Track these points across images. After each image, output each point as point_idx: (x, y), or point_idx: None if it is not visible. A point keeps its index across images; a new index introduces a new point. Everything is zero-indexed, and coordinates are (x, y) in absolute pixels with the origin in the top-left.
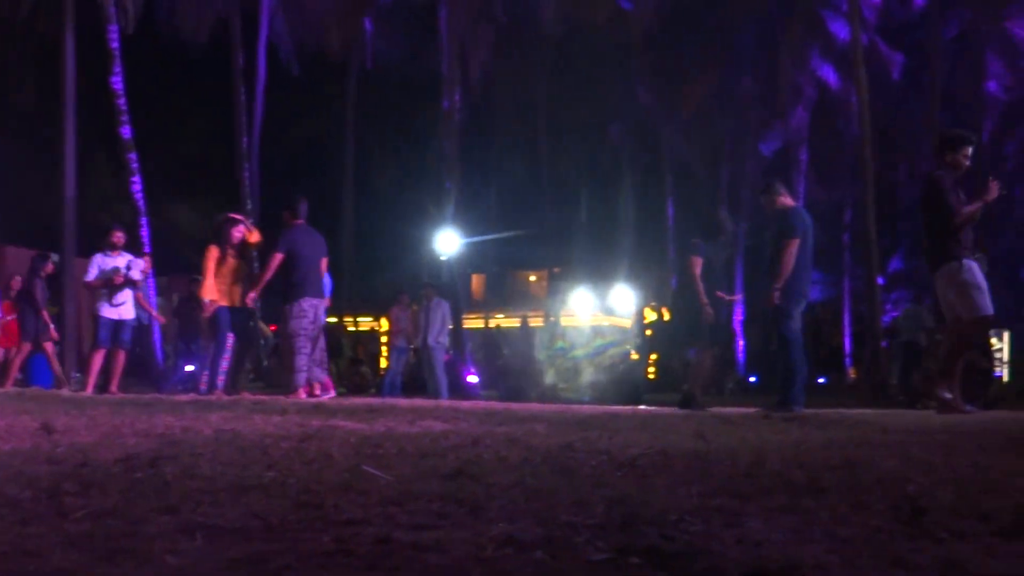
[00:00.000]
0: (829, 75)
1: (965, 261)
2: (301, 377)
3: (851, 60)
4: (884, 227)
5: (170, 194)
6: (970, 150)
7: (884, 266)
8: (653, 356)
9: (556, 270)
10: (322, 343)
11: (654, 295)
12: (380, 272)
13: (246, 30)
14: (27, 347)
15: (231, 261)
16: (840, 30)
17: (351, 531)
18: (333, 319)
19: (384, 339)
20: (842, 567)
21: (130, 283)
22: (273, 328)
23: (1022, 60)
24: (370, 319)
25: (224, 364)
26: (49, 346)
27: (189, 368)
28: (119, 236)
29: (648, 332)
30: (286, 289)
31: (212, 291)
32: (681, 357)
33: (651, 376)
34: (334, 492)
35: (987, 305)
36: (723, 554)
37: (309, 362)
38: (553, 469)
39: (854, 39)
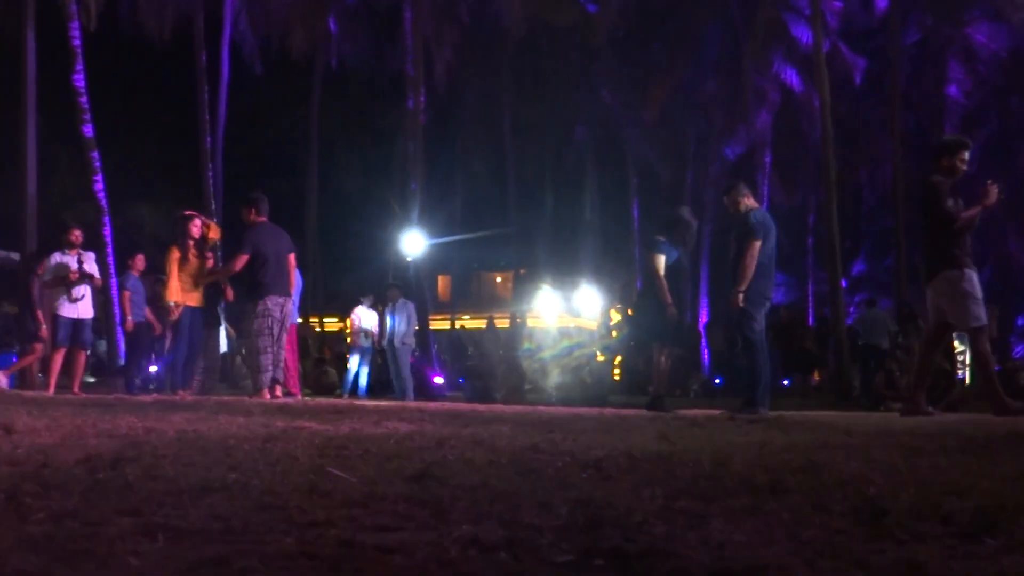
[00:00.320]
0: (792, 79)
1: (966, 271)
2: (266, 378)
3: (814, 64)
4: (847, 230)
5: (133, 193)
6: (967, 154)
7: (847, 268)
8: (618, 358)
9: (522, 271)
10: (290, 342)
11: (619, 296)
12: (346, 272)
13: (209, 28)
14: (39, 347)
15: (193, 261)
16: (803, 34)
17: (315, 533)
18: (299, 320)
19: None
20: (805, 568)
21: (86, 277)
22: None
23: (982, 65)
24: (336, 319)
25: (185, 364)
26: (38, 347)
27: (152, 369)
28: (77, 234)
29: (614, 333)
30: (251, 288)
31: (176, 293)
32: (646, 358)
33: (616, 377)
34: (298, 494)
35: (982, 316)
36: (687, 556)
37: (274, 362)
38: (518, 471)
39: (816, 43)
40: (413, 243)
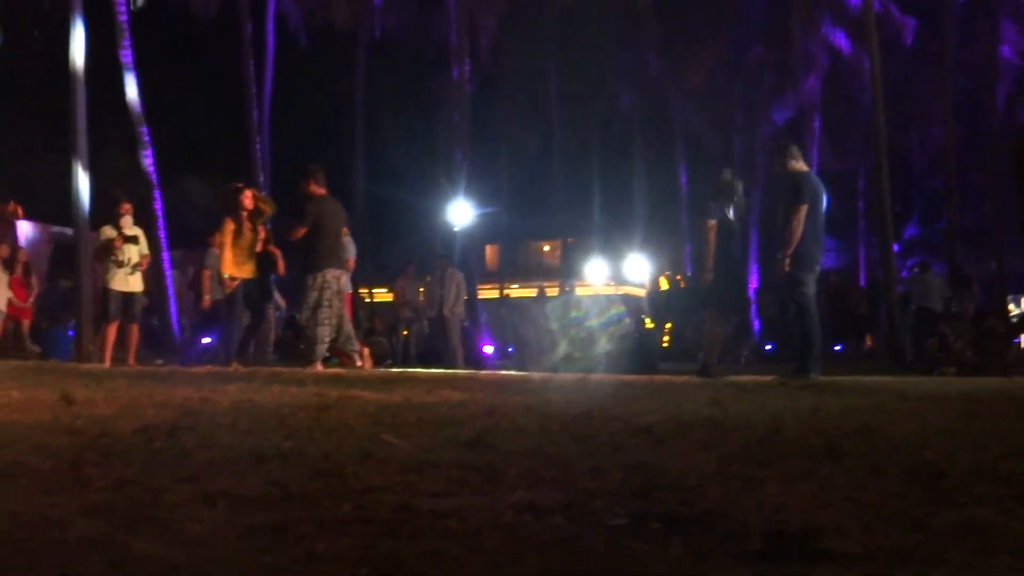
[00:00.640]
0: (841, 41)
1: None
2: (321, 348)
3: (864, 26)
4: (897, 193)
5: (182, 167)
6: None
7: (899, 233)
8: (668, 325)
9: (570, 240)
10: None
11: (668, 263)
12: (393, 243)
13: (254, 1)
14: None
15: (247, 234)
16: None
17: (370, 499)
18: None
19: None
20: (861, 531)
21: (129, 239)
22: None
23: None
24: (385, 290)
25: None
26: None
27: (206, 340)
28: (126, 207)
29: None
30: (309, 260)
31: (230, 266)
32: (696, 325)
33: (665, 345)
34: (353, 461)
35: None
36: (743, 519)
37: (332, 333)
38: (570, 437)
39: (866, 4)
40: (460, 213)
